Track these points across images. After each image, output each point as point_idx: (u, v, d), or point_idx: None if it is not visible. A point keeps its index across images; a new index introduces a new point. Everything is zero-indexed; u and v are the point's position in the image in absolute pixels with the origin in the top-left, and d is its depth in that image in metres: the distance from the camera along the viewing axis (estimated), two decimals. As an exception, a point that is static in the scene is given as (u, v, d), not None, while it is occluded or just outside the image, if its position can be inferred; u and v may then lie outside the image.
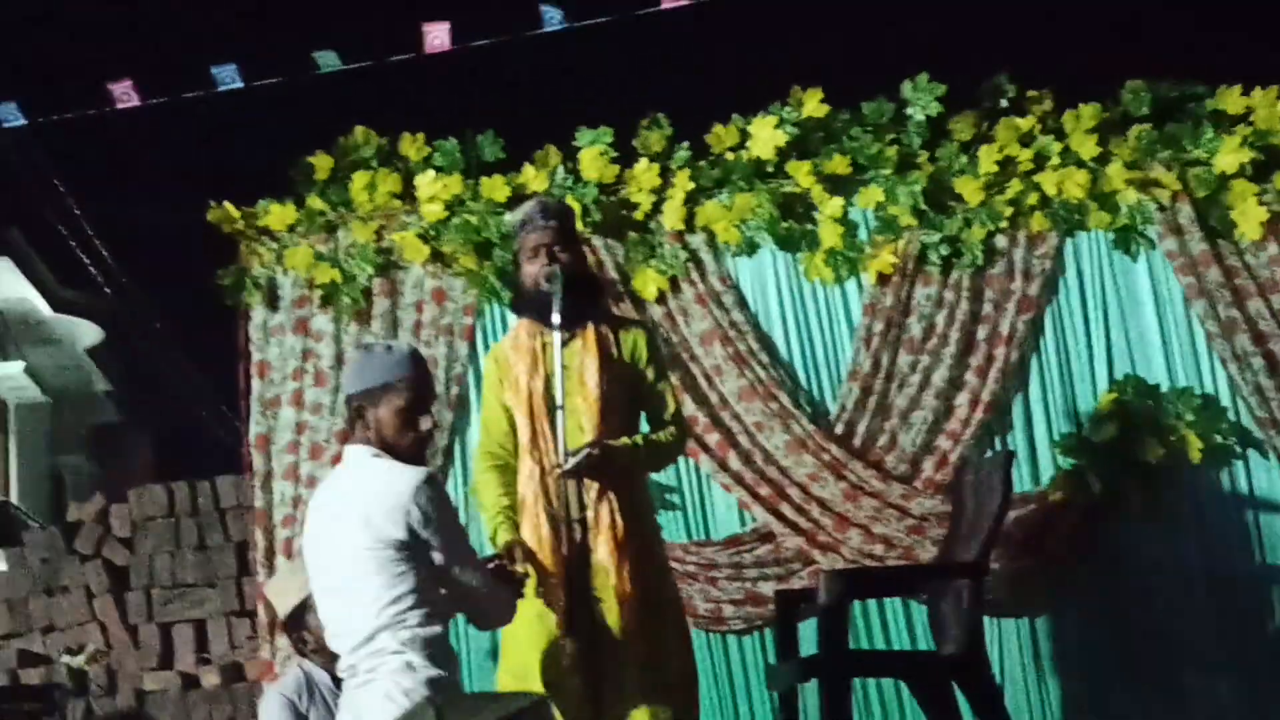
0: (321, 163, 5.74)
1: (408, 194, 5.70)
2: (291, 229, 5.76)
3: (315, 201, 5.74)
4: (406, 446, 3.36)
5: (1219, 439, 5.30)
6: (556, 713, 3.56)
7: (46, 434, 18.50)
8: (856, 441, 5.37)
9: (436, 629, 3.22)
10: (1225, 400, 5.35)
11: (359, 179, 5.70)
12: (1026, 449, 5.39)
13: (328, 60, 5.85)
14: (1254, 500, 5.31)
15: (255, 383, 5.71)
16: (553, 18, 5.66)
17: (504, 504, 3.87)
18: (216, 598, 6.30)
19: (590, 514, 3.78)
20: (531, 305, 3.95)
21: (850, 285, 5.57)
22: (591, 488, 3.78)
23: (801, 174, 5.52)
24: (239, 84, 5.89)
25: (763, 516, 5.34)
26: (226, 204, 5.79)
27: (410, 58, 5.80)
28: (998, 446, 5.37)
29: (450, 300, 5.63)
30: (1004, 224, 5.45)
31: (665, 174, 5.60)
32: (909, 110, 5.56)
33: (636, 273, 5.55)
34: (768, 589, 5.20)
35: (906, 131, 5.55)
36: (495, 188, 5.61)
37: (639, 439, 3.89)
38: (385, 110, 6.12)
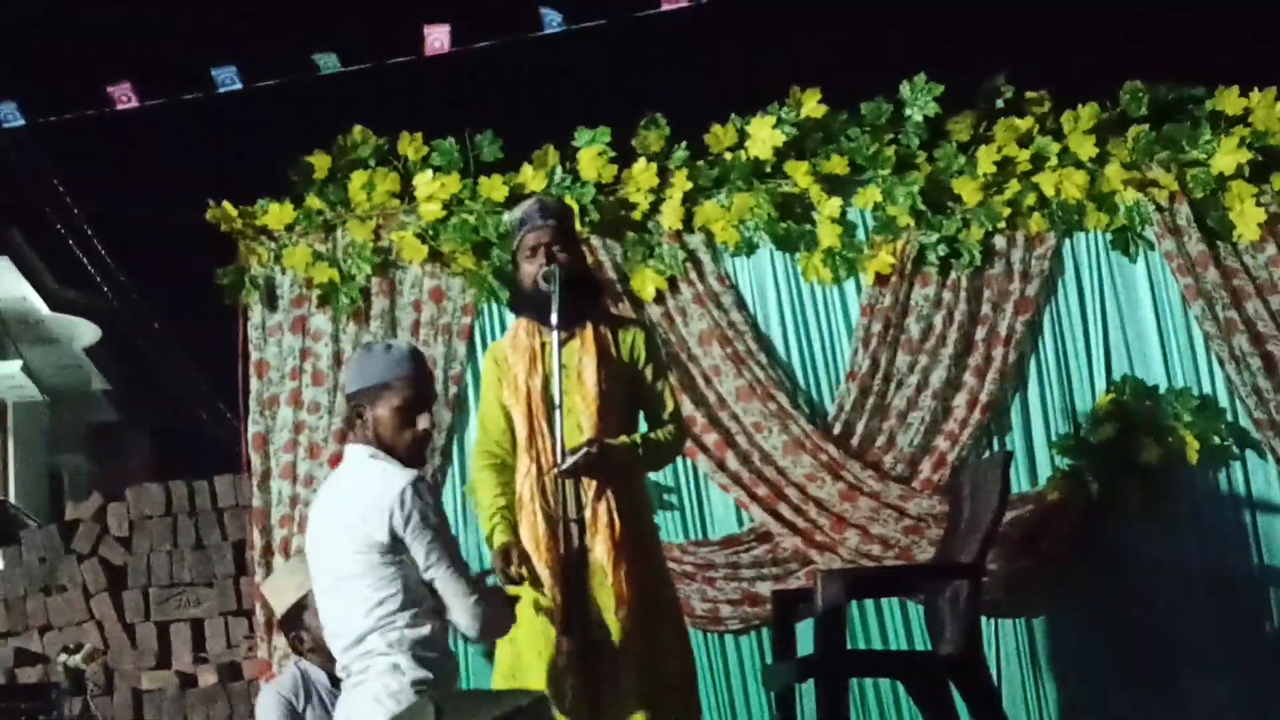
0: (320, 162, 5.73)
1: (406, 193, 5.69)
2: (290, 228, 5.76)
3: (313, 201, 5.73)
4: (405, 446, 3.34)
5: (1217, 440, 5.30)
6: (556, 713, 3.56)
7: (44, 433, 18.52)
8: (854, 442, 5.37)
9: (425, 630, 3.20)
10: (1223, 401, 5.35)
11: (357, 178, 5.69)
12: (1024, 449, 5.39)
13: (328, 62, 5.85)
14: (1252, 500, 5.31)
15: (253, 382, 5.70)
16: (552, 20, 5.66)
17: (500, 504, 3.86)
18: (214, 597, 6.31)
19: (588, 513, 3.77)
20: (530, 304, 3.95)
21: (848, 285, 5.56)
22: (589, 487, 3.78)
23: (800, 174, 5.52)
24: (238, 85, 5.90)
25: (760, 516, 5.34)
26: (225, 203, 5.79)
27: (410, 59, 5.80)
28: (996, 447, 5.37)
29: (448, 300, 5.63)
30: (1002, 224, 5.44)
31: (663, 174, 5.59)
32: (907, 111, 5.56)
33: (635, 272, 5.55)
34: (765, 589, 5.19)
35: (905, 132, 5.55)
36: (494, 187, 5.60)
37: (637, 438, 3.89)
38: (384, 110, 6.13)
